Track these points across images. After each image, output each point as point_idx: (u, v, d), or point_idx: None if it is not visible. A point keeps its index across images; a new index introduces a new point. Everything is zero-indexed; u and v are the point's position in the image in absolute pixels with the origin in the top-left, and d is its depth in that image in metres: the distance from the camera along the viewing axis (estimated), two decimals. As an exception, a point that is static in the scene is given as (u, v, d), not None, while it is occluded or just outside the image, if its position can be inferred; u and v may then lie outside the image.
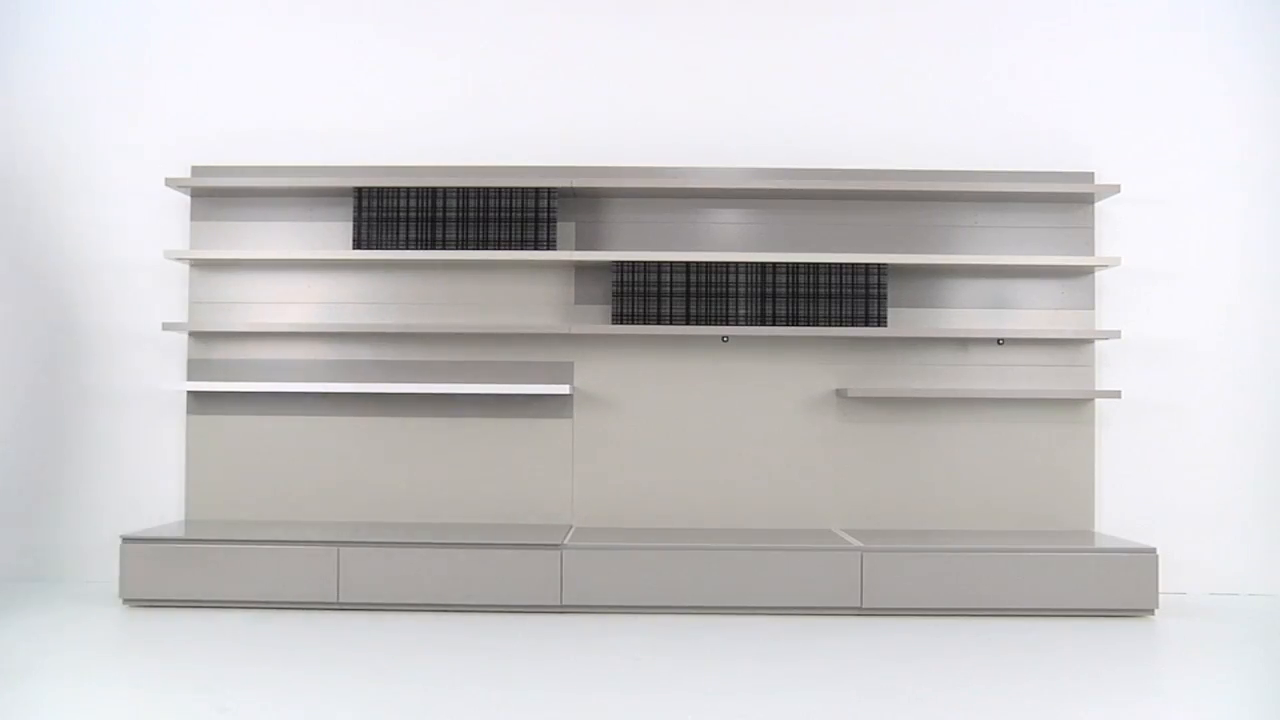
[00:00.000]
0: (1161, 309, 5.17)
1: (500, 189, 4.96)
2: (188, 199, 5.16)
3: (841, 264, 4.94)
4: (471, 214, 4.99)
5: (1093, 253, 5.09)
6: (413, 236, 4.99)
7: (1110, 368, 5.11)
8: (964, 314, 5.12)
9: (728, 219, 5.15)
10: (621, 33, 5.28)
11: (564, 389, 4.91)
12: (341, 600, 4.53)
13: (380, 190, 4.97)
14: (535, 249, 4.95)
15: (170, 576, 4.51)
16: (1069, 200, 5.08)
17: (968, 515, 5.05)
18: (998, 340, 5.06)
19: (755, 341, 5.09)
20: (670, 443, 5.10)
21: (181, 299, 5.16)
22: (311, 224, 5.15)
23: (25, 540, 5.16)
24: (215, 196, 5.13)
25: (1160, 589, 4.54)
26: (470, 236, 4.98)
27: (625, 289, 4.93)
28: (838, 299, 4.94)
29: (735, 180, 5.01)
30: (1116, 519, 5.09)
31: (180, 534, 4.71)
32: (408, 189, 4.98)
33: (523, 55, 5.27)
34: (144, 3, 5.32)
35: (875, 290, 4.94)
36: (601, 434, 5.08)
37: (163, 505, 5.13)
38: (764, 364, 5.09)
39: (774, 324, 4.95)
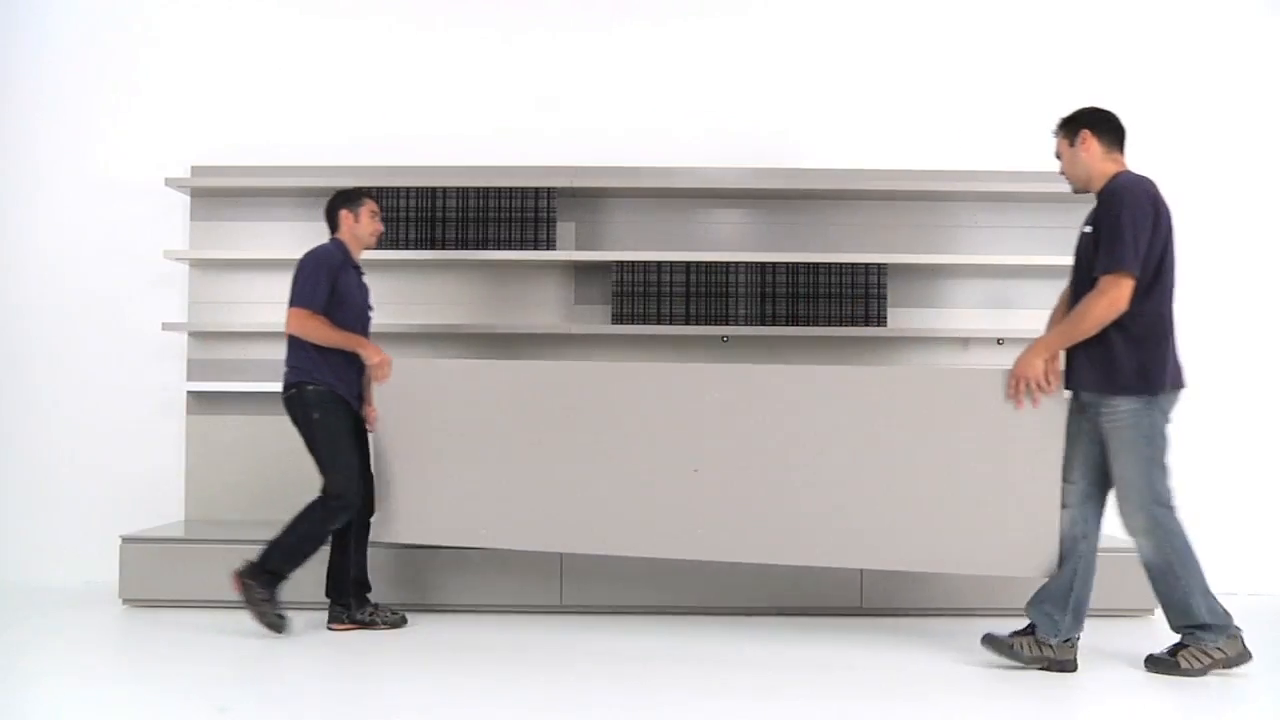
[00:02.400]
0: (1161, 309, 5.16)
1: (500, 189, 4.96)
2: (188, 199, 5.15)
3: (841, 264, 4.93)
4: (471, 214, 4.98)
5: (1093, 253, 5.07)
6: (413, 236, 4.98)
7: (1110, 368, 5.09)
8: (964, 314, 5.11)
9: (728, 219, 5.15)
10: (621, 32, 5.28)
11: (564, 389, 4.89)
12: (341, 600, 4.52)
13: (380, 190, 4.96)
14: (535, 249, 4.94)
15: (170, 576, 4.50)
16: (1069, 200, 5.07)
17: (968, 515, 5.03)
18: (998, 340, 5.05)
19: (755, 341, 5.08)
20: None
21: (181, 299, 5.16)
22: (311, 224, 5.14)
23: (25, 540, 5.15)
24: (215, 196, 5.13)
25: (1160, 589, 4.52)
26: (470, 236, 4.98)
27: (625, 289, 4.93)
28: (838, 299, 4.94)
29: (735, 180, 5.01)
30: (1117, 519, 5.07)
31: (180, 534, 4.71)
32: (408, 189, 4.98)
33: (523, 55, 5.27)
34: (144, 2, 5.32)
35: (875, 290, 4.94)
36: (601, 434, 5.06)
37: (163, 505, 5.12)
38: (764, 364, 5.07)
39: (774, 324, 4.95)
